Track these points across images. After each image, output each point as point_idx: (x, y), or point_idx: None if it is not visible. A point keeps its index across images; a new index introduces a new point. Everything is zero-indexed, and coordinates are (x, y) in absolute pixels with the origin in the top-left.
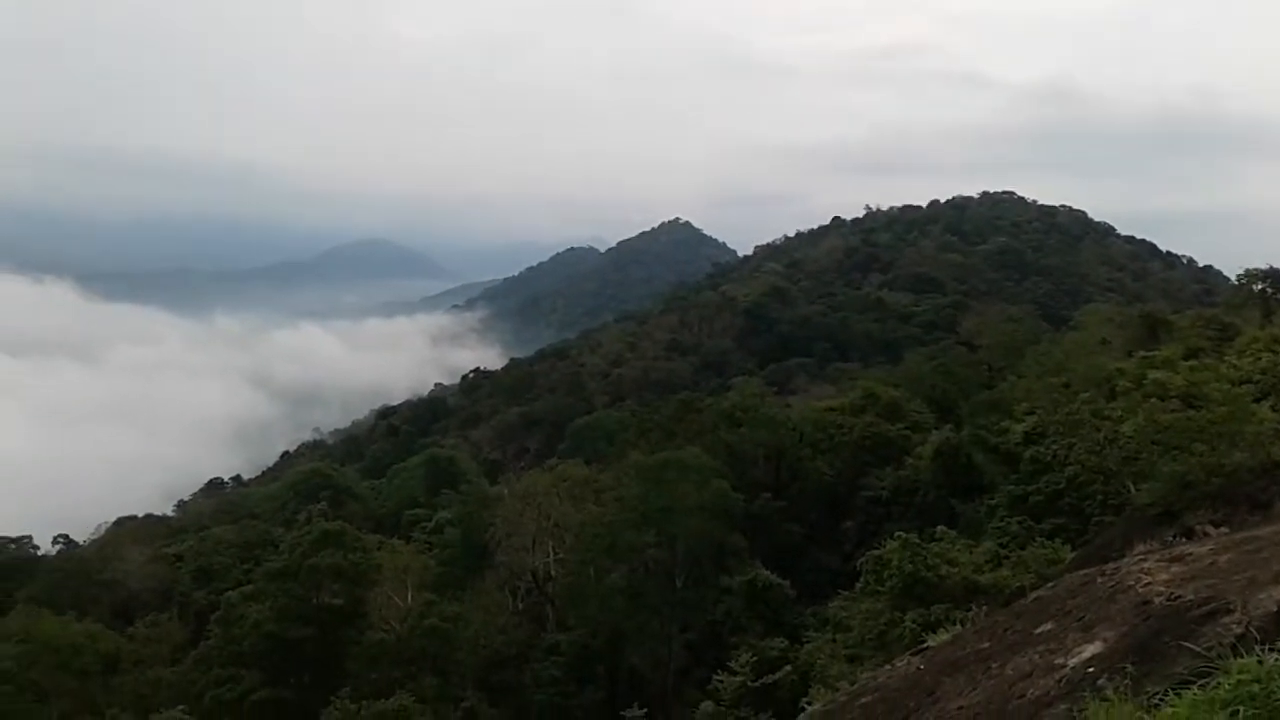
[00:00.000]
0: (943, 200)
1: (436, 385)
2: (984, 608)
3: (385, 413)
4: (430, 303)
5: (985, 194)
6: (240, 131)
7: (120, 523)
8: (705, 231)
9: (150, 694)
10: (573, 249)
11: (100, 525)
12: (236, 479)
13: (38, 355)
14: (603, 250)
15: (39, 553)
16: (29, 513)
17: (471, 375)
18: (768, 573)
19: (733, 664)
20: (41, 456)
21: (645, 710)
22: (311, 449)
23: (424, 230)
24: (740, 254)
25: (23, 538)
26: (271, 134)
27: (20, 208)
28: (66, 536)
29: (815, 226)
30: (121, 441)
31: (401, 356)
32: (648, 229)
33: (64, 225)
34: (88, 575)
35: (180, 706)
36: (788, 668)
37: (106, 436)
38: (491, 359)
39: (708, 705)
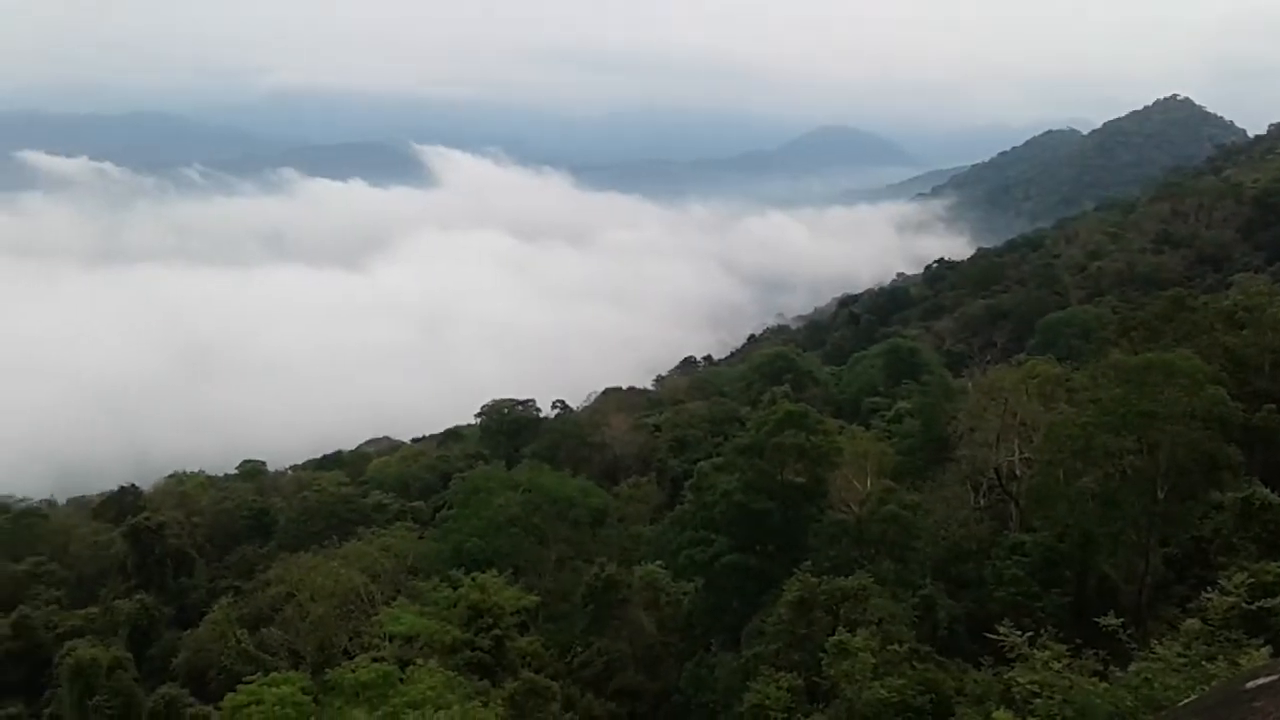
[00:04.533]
0: None
1: (899, 275)
2: None
3: (847, 300)
4: (894, 190)
5: None
6: (712, 26)
7: (607, 393)
8: (1207, 109)
9: (631, 548)
10: (1050, 132)
11: (590, 394)
12: (707, 358)
13: (540, 239)
14: (1085, 132)
15: (540, 414)
16: (534, 378)
17: (936, 265)
18: (1267, 491)
19: (1223, 583)
20: (544, 329)
21: (1121, 621)
22: (776, 333)
23: (890, 116)
24: (1251, 134)
25: (528, 400)
26: (738, 27)
27: (524, 107)
28: (563, 402)
29: None
30: (607, 318)
31: (865, 245)
32: (1138, 108)
33: (560, 121)
34: (580, 437)
35: (658, 561)
36: None
37: (595, 313)
38: (958, 248)
39: (1192, 623)
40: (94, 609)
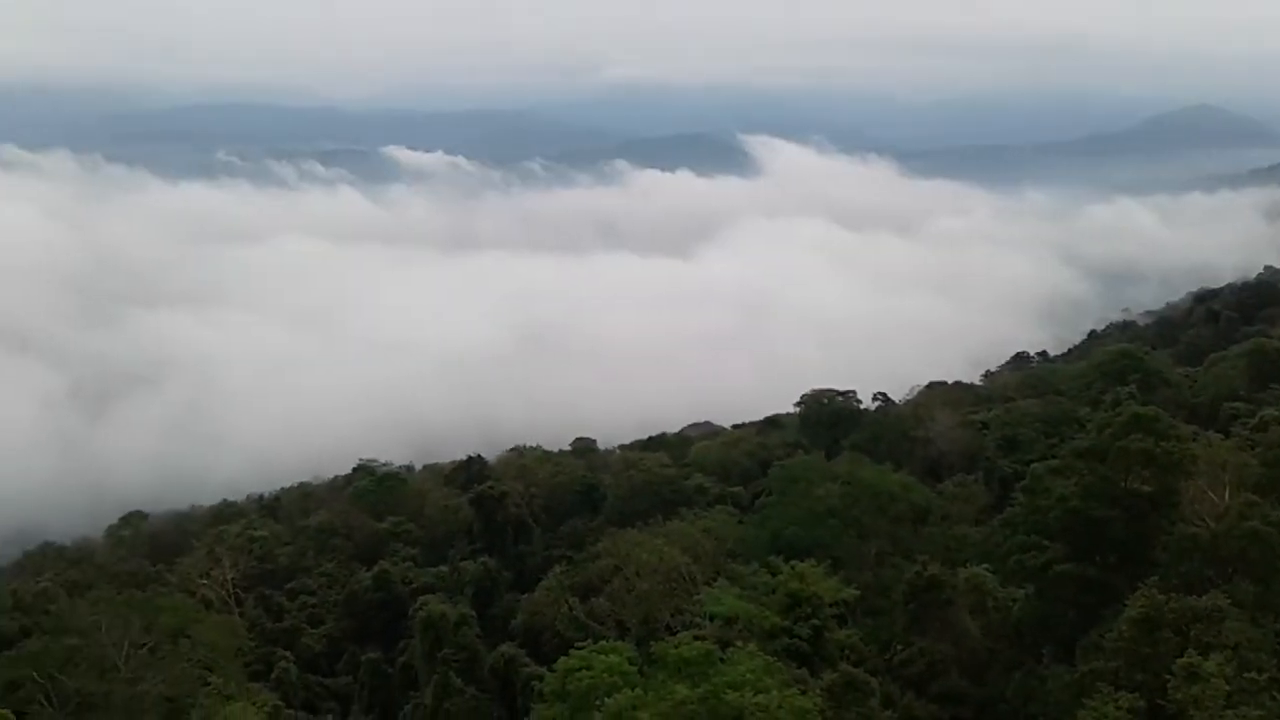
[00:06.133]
0: None
1: (1266, 267)
2: None
3: (1203, 296)
4: (1264, 175)
5: None
6: (1054, 2)
7: (931, 386)
8: None
9: (955, 548)
10: None
11: (913, 387)
12: (1042, 354)
13: (864, 227)
14: None
15: (861, 406)
16: (855, 368)
17: None
18: None
19: None
20: (867, 319)
21: None
22: (1120, 330)
23: (1260, 93)
24: None
25: (848, 391)
26: (1082, 2)
27: (850, 94)
28: (884, 395)
29: None
30: (934, 309)
31: (1227, 234)
32: None
33: (888, 107)
34: (902, 431)
35: (984, 565)
36: None
37: (920, 304)
38: None
39: None
40: (443, 568)
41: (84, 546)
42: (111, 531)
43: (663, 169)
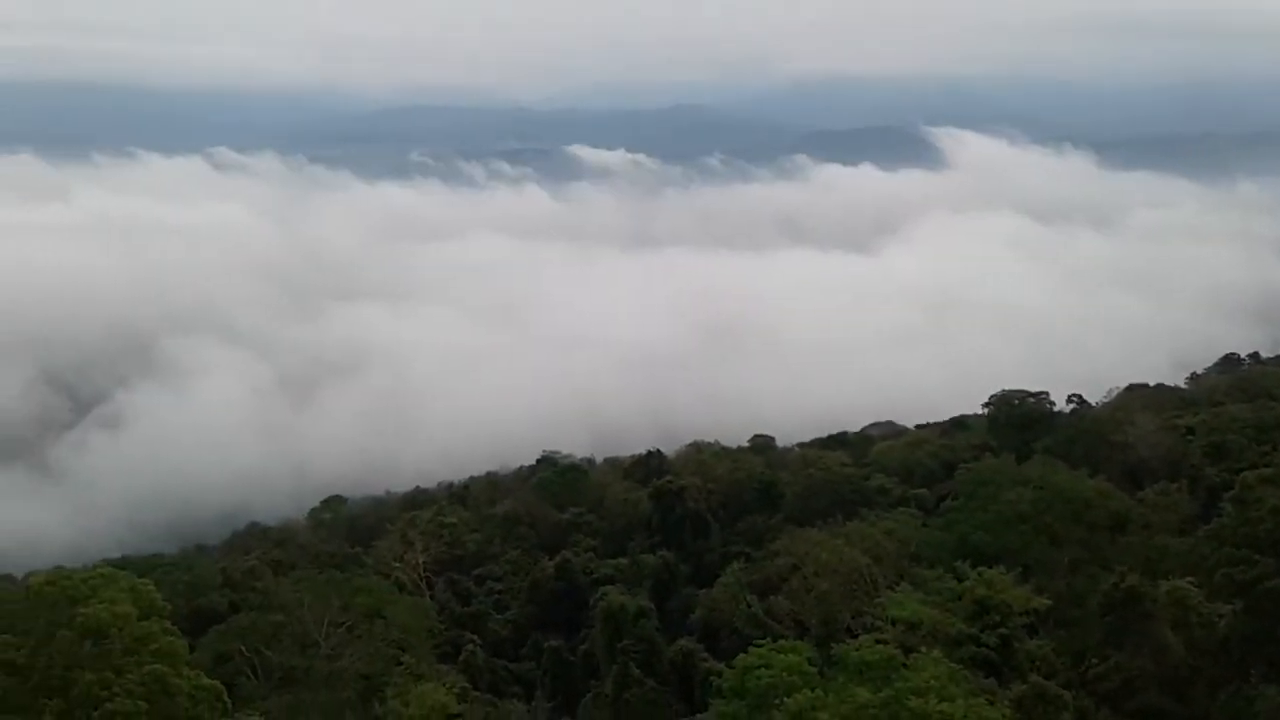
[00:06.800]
0: None
1: None
2: None
3: None
4: None
5: None
6: None
7: (1131, 388)
8: None
9: (1156, 559)
10: None
11: (1111, 389)
12: (1254, 356)
13: (1058, 221)
14: None
15: (1054, 408)
16: (1047, 369)
17: None
18: None
19: None
20: (1060, 317)
21: None
22: None
23: None
24: None
25: (1041, 393)
26: None
27: (1042, 82)
28: (1079, 396)
29: None
30: (1134, 308)
31: None
32: None
33: (1083, 96)
34: (1099, 435)
35: (1188, 578)
36: None
37: (1119, 302)
38: None
39: None
40: (622, 560)
41: (288, 528)
42: (313, 514)
43: (844, 163)
